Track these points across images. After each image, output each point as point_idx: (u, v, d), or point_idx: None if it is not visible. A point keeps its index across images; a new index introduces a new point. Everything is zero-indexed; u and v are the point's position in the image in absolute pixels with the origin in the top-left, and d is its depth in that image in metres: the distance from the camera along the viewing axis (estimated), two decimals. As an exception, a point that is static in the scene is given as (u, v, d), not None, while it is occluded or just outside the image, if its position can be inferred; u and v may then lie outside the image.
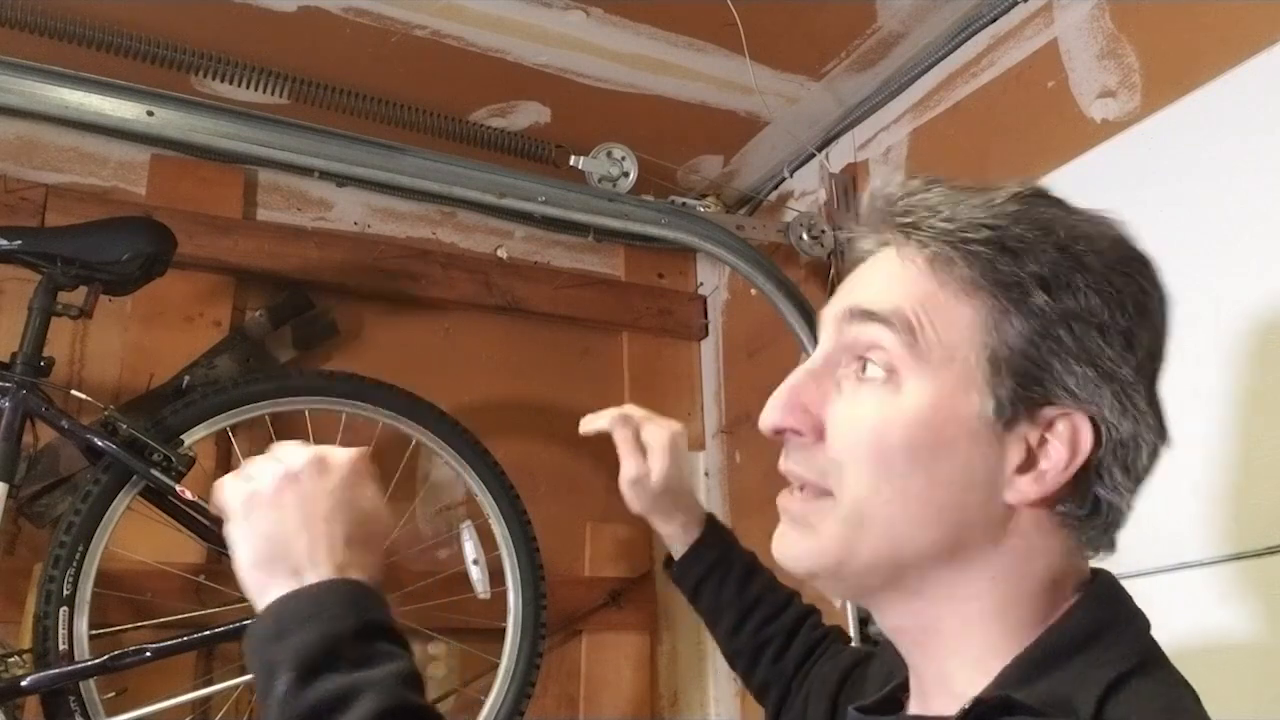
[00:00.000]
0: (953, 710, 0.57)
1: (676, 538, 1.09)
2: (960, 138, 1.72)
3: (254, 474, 0.72)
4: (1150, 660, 0.60)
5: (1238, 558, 1.15)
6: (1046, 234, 0.61)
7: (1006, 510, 0.61)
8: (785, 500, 0.67)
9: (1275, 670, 1.10)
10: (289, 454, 0.72)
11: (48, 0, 1.57)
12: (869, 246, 0.68)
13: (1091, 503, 0.62)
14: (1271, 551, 1.12)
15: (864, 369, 0.63)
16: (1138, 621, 0.63)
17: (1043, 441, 0.61)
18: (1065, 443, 0.60)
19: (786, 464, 0.66)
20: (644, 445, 1.08)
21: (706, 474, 2.27)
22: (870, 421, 0.62)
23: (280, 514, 0.69)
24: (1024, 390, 0.60)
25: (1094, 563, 0.66)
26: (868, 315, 0.63)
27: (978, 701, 0.56)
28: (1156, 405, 0.63)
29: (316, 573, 0.68)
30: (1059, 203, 0.65)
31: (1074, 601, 0.62)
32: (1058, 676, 0.58)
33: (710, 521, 1.11)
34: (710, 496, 2.24)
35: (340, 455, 0.73)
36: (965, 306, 0.61)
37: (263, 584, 0.68)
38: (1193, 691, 0.60)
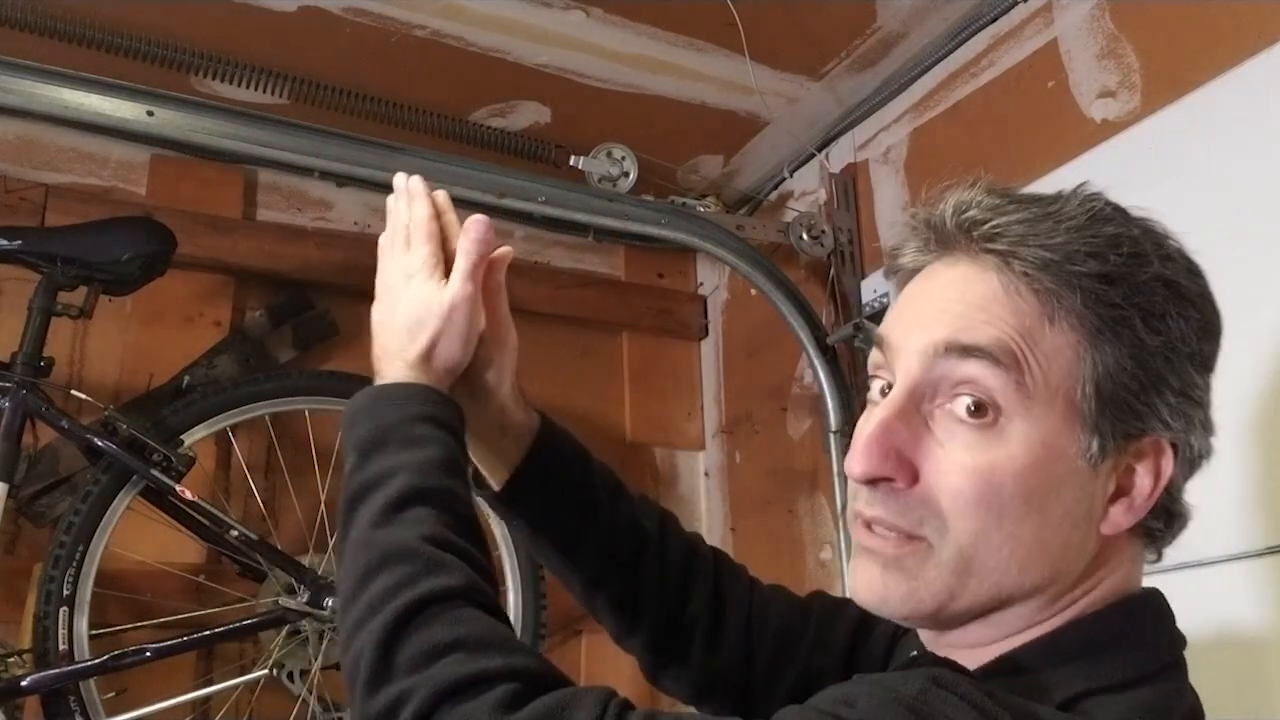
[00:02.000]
0: None
1: (520, 437, 0.85)
2: (960, 138, 1.72)
3: (389, 273, 0.81)
4: (1147, 681, 0.58)
5: (1274, 551, 1.15)
6: (1143, 262, 0.60)
7: (1099, 541, 0.61)
8: (870, 540, 0.62)
9: (1268, 670, 1.09)
10: (409, 253, 0.82)
11: (48, 0, 1.57)
12: (924, 260, 0.65)
13: (1167, 517, 0.62)
14: (1272, 552, 1.12)
15: (966, 409, 0.59)
16: (1157, 643, 0.62)
17: (1129, 469, 0.60)
18: (1150, 469, 0.60)
19: (873, 510, 0.61)
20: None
21: (707, 474, 2.27)
22: (979, 469, 0.58)
23: (380, 312, 0.79)
24: (1124, 425, 0.59)
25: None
26: (967, 351, 0.59)
27: (914, 659, 0.58)
28: (1210, 417, 0.63)
29: (392, 367, 0.76)
30: (1125, 213, 0.63)
31: (1099, 610, 0.61)
32: (1039, 677, 0.58)
33: (545, 416, 0.90)
34: (710, 497, 2.24)
35: (413, 269, 0.80)
36: (1067, 339, 0.59)
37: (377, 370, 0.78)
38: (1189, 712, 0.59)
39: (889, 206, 1.87)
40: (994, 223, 0.61)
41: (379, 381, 0.76)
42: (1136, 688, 0.58)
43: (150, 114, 1.48)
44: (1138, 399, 0.59)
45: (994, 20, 1.66)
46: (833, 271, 1.92)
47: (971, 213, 0.62)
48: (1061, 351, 0.59)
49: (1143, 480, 0.60)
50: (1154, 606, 0.64)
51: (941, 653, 0.64)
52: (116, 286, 1.49)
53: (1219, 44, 1.28)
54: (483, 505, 0.82)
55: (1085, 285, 0.58)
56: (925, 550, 0.59)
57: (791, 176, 2.13)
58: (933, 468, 0.59)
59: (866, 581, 0.61)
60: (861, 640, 0.83)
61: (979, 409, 0.58)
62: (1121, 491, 0.60)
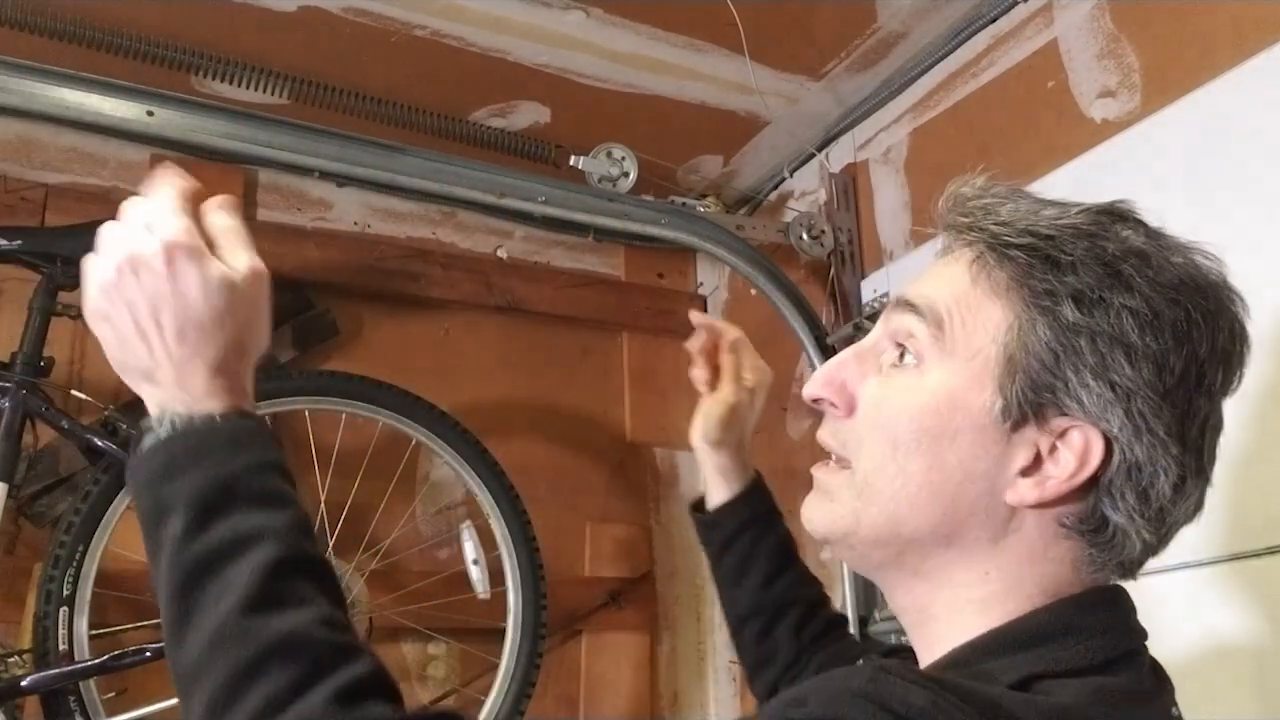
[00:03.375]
0: None
1: (734, 477, 1.07)
2: (960, 138, 1.72)
3: (90, 279, 0.64)
4: (1102, 670, 0.59)
5: (1237, 558, 1.15)
6: (1094, 249, 0.62)
7: (1008, 510, 0.63)
8: (816, 469, 0.72)
9: (1274, 670, 1.10)
10: (108, 246, 0.64)
11: (48, 0, 1.57)
12: (946, 242, 0.72)
13: (1099, 520, 0.62)
14: (1271, 551, 1.12)
15: (901, 357, 0.67)
16: (1114, 634, 0.62)
17: (1053, 449, 0.62)
18: (1075, 454, 0.61)
19: (820, 433, 0.72)
20: (746, 378, 1.09)
21: (706, 474, 2.26)
22: (889, 402, 0.66)
23: (115, 326, 0.63)
24: (1035, 396, 0.62)
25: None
26: (907, 305, 0.67)
27: (885, 653, 0.60)
28: (1190, 436, 0.62)
29: (161, 374, 0.62)
30: (1138, 224, 0.65)
31: (1053, 602, 0.62)
32: (992, 664, 0.59)
33: (759, 475, 1.10)
34: (710, 496, 2.24)
35: (148, 248, 0.62)
36: (995, 307, 0.64)
37: (133, 385, 0.65)
38: (1141, 711, 0.60)
39: (889, 206, 1.87)
40: (973, 200, 0.67)
41: (170, 399, 0.62)
42: (1094, 674, 0.59)
43: (150, 114, 1.48)
44: (1051, 373, 0.61)
45: (994, 20, 1.66)
46: (833, 271, 1.92)
47: (963, 190, 0.69)
48: (990, 317, 0.64)
49: (1065, 462, 0.61)
50: (1111, 600, 0.64)
51: (920, 655, 0.67)
52: (116, 286, 1.49)
53: (1219, 44, 1.28)
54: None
55: (1014, 257, 0.63)
56: (847, 476, 0.68)
57: (791, 176, 2.13)
58: (862, 398, 0.68)
59: (805, 506, 0.71)
60: None
61: (900, 351, 0.67)
62: (1036, 467, 0.62)
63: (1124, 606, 0.65)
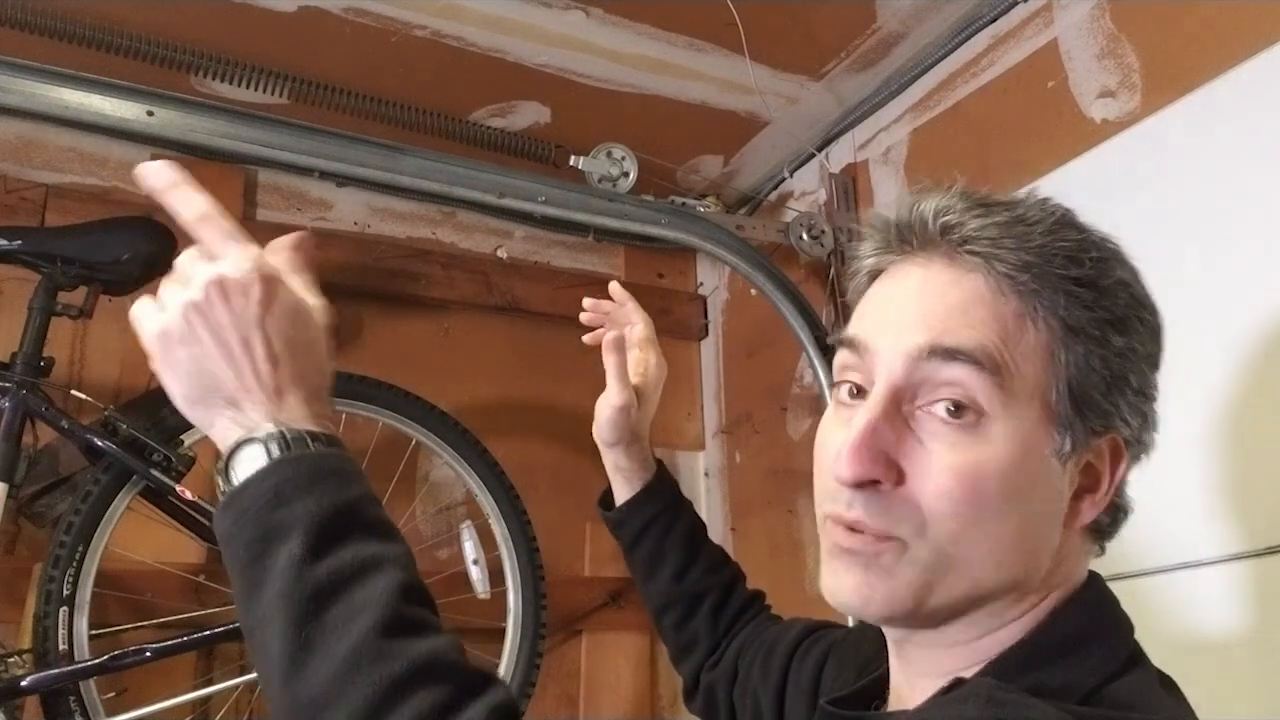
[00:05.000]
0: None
1: (633, 475, 1.05)
2: (960, 138, 1.72)
3: (164, 303, 0.62)
4: (1132, 664, 0.61)
5: (1237, 558, 1.15)
6: (1109, 267, 0.62)
7: (1064, 535, 0.62)
8: (848, 540, 0.61)
9: (1274, 670, 1.10)
10: (193, 274, 0.61)
11: (48, 0, 1.57)
12: (896, 260, 0.66)
13: (1113, 510, 0.64)
14: (1271, 551, 1.12)
15: (947, 410, 0.59)
16: (1123, 626, 0.64)
17: (1089, 466, 0.62)
18: (1106, 463, 0.62)
19: (854, 513, 0.60)
20: (636, 376, 1.07)
21: (707, 474, 2.27)
22: (965, 469, 0.58)
23: (197, 349, 0.60)
24: (1090, 423, 0.61)
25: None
26: (951, 354, 0.59)
27: (958, 680, 0.57)
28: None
29: (252, 400, 0.60)
30: (1080, 221, 0.65)
31: (1063, 604, 0.63)
32: (1044, 673, 0.59)
33: (662, 466, 1.09)
34: (710, 496, 2.24)
35: (240, 273, 0.61)
36: (1044, 340, 0.60)
37: (206, 420, 0.62)
38: (1174, 692, 0.62)
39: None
40: (972, 225, 0.62)
41: (261, 424, 0.60)
42: (1133, 668, 0.60)
43: (150, 114, 1.48)
44: (1105, 398, 0.61)
45: (994, 20, 1.66)
46: (833, 271, 1.92)
47: (950, 216, 0.63)
48: (1038, 352, 0.60)
49: (1102, 474, 0.62)
50: (1106, 591, 0.66)
51: (912, 653, 0.66)
52: (116, 286, 1.49)
53: (1219, 44, 1.28)
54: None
55: (1065, 287, 0.60)
56: (899, 548, 0.60)
57: (791, 176, 2.13)
58: (917, 469, 0.60)
59: (852, 584, 0.61)
60: (796, 663, 0.89)
61: (960, 409, 0.59)
62: (1086, 487, 0.62)
63: (1112, 593, 0.66)
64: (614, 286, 1.17)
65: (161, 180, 0.65)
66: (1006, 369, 0.59)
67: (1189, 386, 1.20)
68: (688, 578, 1.04)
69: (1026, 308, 0.60)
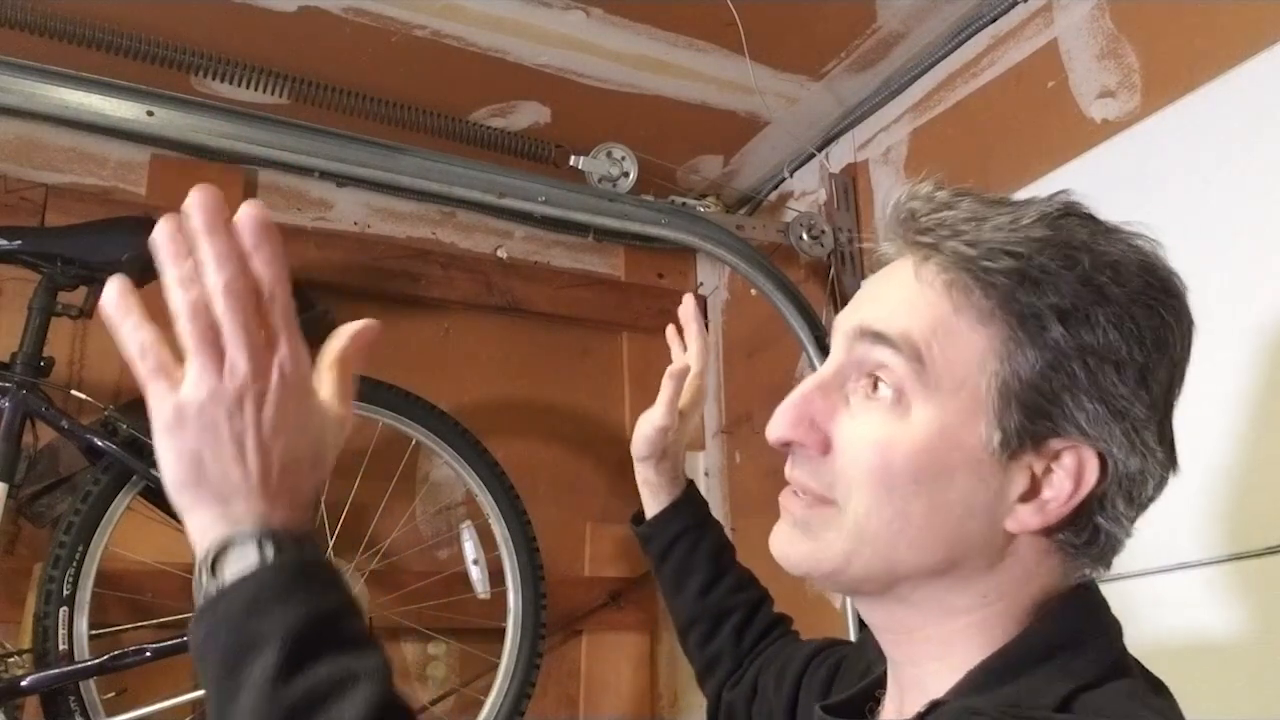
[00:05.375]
0: (920, 702, 0.58)
1: (661, 490, 1.09)
2: (960, 138, 1.72)
3: (187, 378, 0.59)
4: (1115, 673, 0.60)
5: (1237, 558, 1.15)
6: (1071, 263, 0.59)
7: (1006, 536, 0.62)
8: (788, 501, 0.67)
9: (1273, 670, 1.10)
10: (233, 358, 0.58)
11: (48, 0, 1.57)
12: (889, 252, 0.68)
13: (1091, 531, 0.62)
14: (1271, 551, 1.12)
15: (873, 387, 0.63)
16: (1108, 633, 0.63)
17: (1048, 471, 0.60)
18: (1070, 476, 0.60)
19: (793, 473, 0.66)
20: (682, 400, 1.11)
21: (706, 474, 2.27)
22: (876, 442, 0.61)
23: (210, 435, 0.58)
24: (1031, 424, 0.59)
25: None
26: (877, 337, 0.62)
27: (934, 705, 0.57)
28: (1168, 439, 0.63)
29: (246, 504, 0.58)
30: (1090, 220, 0.63)
31: (1046, 612, 0.63)
32: (1020, 683, 0.59)
33: (692, 485, 1.12)
34: (710, 497, 2.24)
35: (278, 370, 0.59)
36: (979, 335, 0.60)
37: (187, 506, 0.60)
38: (1163, 699, 0.61)
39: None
40: (931, 216, 0.63)
41: (245, 528, 0.58)
42: (1115, 676, 0.59)
43: (150, 114, 1.48)
44: (1047, 400, 0.59)
45: (994, 20, 1.66)
46: (833, 271, 1.92)
47: (913, 204, 0.64)
48: (972, 345, 0.60)
49: (1061, 485, 0.60)
50: (1096, 599, 0.65)
51: (902, 671, 0.67)
52: (117, 286, 1.49)
53: (1219, 44, 1.28)
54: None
55: (997, 283, 0.60)
56: (833, 514, 0.63)
57: (791, 176, 2.13)
58: (841, 437, 0.63)
59: (777, 538, 0.67)
60: (807, 678, 0.90)
61: (879, 387, 0.62)
62: (1035, 492, 0.61)
63: (1103, 601, 0.65)
64: (687, 300, 1.21)
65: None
66: (927, 357, 0.60)
67: (1187, 386, 1.20)
68: (713, 594, 1.05)
69: (954, 302, 0.61)
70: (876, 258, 0.69)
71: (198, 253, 0.59)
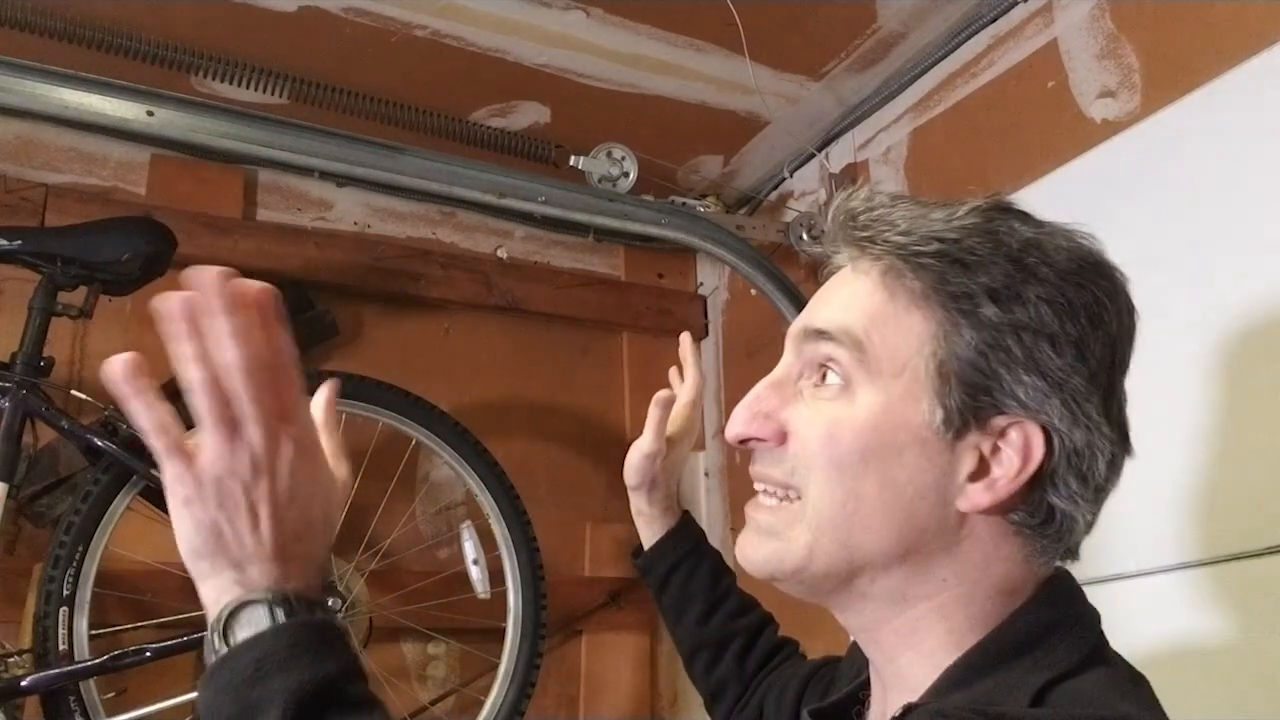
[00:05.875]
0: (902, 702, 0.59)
1: (655, 520, 1.09)
2: (960, 138, 1.72)
3: (205, 451, 0.60)
4: (1092, 662, 0.61)
5: (1237, 558, 1.15)
6: (999, 246, 0.62)
7: (959, 517, 0.63)
8: (752, 510, 0.69)
9: (1265, 671, 1.10)
10: (248, 431, 0.60)
11: (48, 0, 1.57)
12: (839, 261, 0.70)
13: (1046, 511, 0.63)
14: (1271, 551, 1.12)
15: (822, 379, 0.66)
16: (1084, 622, 0.64)
17: (995, 450, 0.62)
18: (1017, 451, 0.61)
19: (755, 467, 0.69)
20: (671, 427, 1.10)
21: (706, 474, 2.27)
22: (824, 424, 0.64)
23: (228, 506, 0.59)
24: (973, 400, 0.62)
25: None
26: (820, 335, 0.66)
27: (907, 708, 0.58)
28: (1114, 414, 0.64)
29: (261, 569, 0.60)
30: (1021, 215, 0.66)
31: (1021, 604, 0.64)
32: (997, 678, 0.60)
33: (687, 514, 1.11)
34: (710, 497, 2.24)
35: (290, 439, 0.61)
36: (915, 318, 0.63)
37: (203, 573, 0.61)
38: (1141, 689, 0.62)
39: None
40: (866, 216, 0.66)
41: (257, 593, 0.59)
42: (1091, 666, 0.60)
43: (150, 114, 1.48)
44: (986, 376, 0.61)
45: (994, 20, 1.66)
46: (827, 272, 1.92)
47: (852, 204, 0.68)
48: (911, 328, 0.63)
49: (1009, 461, 0.62)
50: (1069, 589, 0.66)
51: (882, 669, 0.68)
52: (116, 286, 1.49)
53: (1219, 44, 1.28)
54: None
55: (927, 265, 0.63)
56: (796, 510, 0.65)
57: (791, 176, 2.13)
58: (793, 425, 0.66)
59: (740, 547, 0.69)
60: (807, 697, 0.91)
61: (825, 377, 0.66)
62: (984, 471, 0.62)
63: (1078, 589, 0.66)
64: (684, 339, 1.20)
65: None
66: (867, 344, 0.63)
67: (1188, 387, 1.20)
68: (713, 621, 1.05)
69: (889, 288, 0.64)
70: (827, 270, 0.72)
71: (208, 331, 0.60)
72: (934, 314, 0.62)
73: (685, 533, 1.09)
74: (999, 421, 0.62)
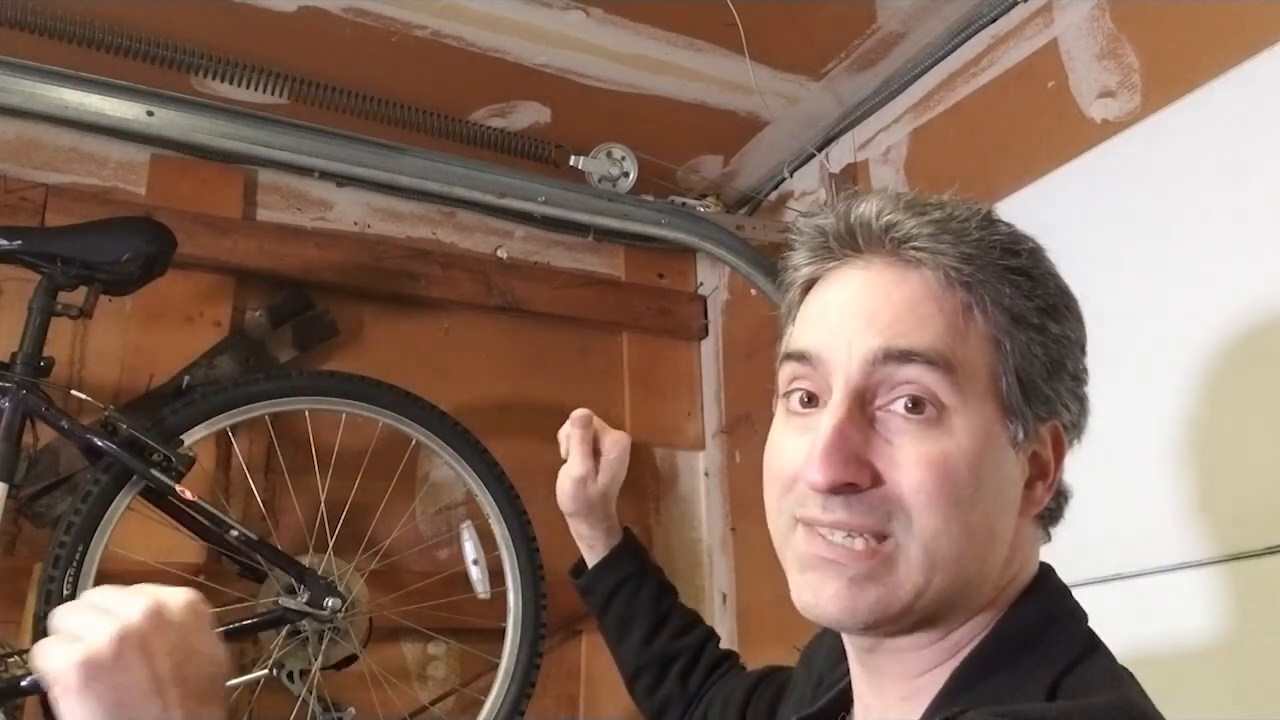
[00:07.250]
0: (907, 707, 0.60)
1: (596, 542, 1.07)
2: (960, 138, 1.72)
3: (82, 633, 0.60)
4: (1089, 651, 0.62)
5: (1237, 558, 1.15)
6: (1039, 259, 0.65)
7: (1016, 523, 0.64)
8: (829, 551, 0.61)
9: (1265, 670, 1.10)
10: (121, 605, 0.61)
11: (48, 0, 1.57)
12: (849, 267, 0.66)
13: (1060, 495, 0.67)
14: (1271, 551, 1.12)
15: (907, 406, 0.61)
16: (1077, 614, 0.65)
17: (1035, 453, 0.64)
18: (1053, 449, 0.64)
19: (834, 515, 0.61)
20: (598, 450, 1.07)
21: (706, 474, 2.26)
22: (936, 460, 0.59)
23: (126, 678, 0.58)
24: (1036, 410, 0.63)
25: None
26: (907, 356, 0.60)
27: (948, 711, 0.58)
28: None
29: (167, 714, 0.59)
30: (1003, 220, 0.68)
31: (1020, 596, 0.64)
32: (1008, 675, 0.60)
33: (629, 532, 1.10)
34: (710, 497, 2.24)
35: (177, 602, 0.63)
36: (989, 330, 0.62)
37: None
38: (1133, 678, 0.63)
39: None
40: (910, 224, 0.64)
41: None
42: (1090, 656, 0.61)
43: (150, 114, 1.48)
44: (1047, 385, 0.63)
45: (994, 20, 1.66)
46: (831, 272, 1.92)
47: (890, 216, 0.64)
48: (986, 342, 0.62)
49: (1047, 461, 0.64)
50: (1056, 581, 0.68)
51: (880, 660, 0.66)
52: (116, 286, 1.49)
53: (1219, 44, 1.28)
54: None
55: (1005, 278, 0.63)
56: (893, 552, 0.60)
57: (791, 176, 2.13)
58: (889, 466, 0.60)
59: (832, 595, 0.61)
60: (751, 708, 0.92)
61: (919, 405, 0.60)
62: (1036, 474, 0.64)
63: (1063, 585, 0.68)
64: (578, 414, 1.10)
65: None
66: (958, 364, 0.60)
67: (1188, 386, 1.20)
68: (656, 641, 1.05)
69: (972, 299, 0.62)
70: (807, 272, 0.68)
71: None
72: (1006, 325, 0.62)
73: (628, 553, 1.08)
74: (1044, 427, 0.64)
